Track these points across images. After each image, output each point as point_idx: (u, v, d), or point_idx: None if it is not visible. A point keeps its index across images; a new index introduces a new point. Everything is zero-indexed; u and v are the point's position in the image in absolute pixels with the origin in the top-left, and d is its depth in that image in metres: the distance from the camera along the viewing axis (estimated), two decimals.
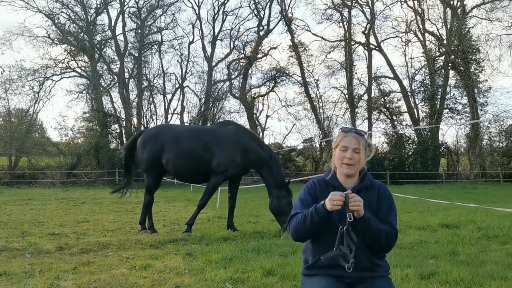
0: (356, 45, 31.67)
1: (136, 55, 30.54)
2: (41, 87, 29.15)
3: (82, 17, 29.92)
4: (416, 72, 30.82)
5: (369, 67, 30.98)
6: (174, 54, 38.04)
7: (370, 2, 30.94)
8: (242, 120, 31.21)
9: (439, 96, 29.17)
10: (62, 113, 56.47)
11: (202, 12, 59.67)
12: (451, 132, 53.56)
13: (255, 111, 32.48)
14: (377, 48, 31.07)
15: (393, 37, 31.81)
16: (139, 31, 30.76)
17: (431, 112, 29.00)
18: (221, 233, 6.75)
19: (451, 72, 30.03)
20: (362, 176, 2.32)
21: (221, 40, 32.53)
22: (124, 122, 29.30)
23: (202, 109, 30.09)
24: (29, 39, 29.11)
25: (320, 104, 31.89)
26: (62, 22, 29.63)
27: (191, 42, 31.83)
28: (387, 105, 31.22)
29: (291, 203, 6.55)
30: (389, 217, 2.27)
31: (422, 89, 30.32)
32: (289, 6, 32.37)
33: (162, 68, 31.28)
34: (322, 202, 2.11)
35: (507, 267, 4.40)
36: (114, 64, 30.97)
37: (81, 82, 30.53)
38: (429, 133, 29.23)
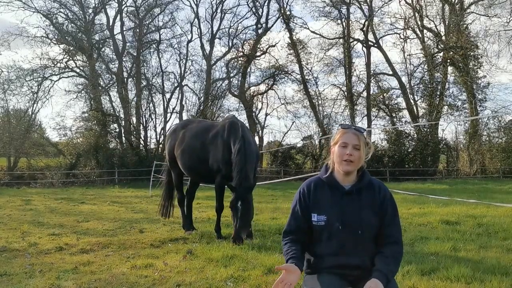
0: (355, 42, 31.65)
1: (135, 54, 30.45)
2: (39, 87, 29.13)
3: (80, 17, 29.85)
4: (415, 69, 30.83)
5: (368, 64, 30.93)
6: (173, 53, 38.05)
7: None
8: (241, 118, 31.09)
9: (438, 93, 29.17)
10: (61, 113, 56.28)
11: (200, 10, 59.75)
12: (450, 129, 53.71)
13: (254, 109, 32.46)
14: (375, 45, 31.03)
15: (392, 34, 31.91)
16: (137, 30, 30.64)
17: (430, 109, 29.01)
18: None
19: (450, 69, 30.02)
20: (361, 175, 2.29)
21: (220, 38, 32.52)
22: (123, 122, 29.25)
23: (201, 108, 30.06)
24: (27, 40, 29.07)
25: (319, 102, 31.92)
26: (60, 22, 29.59)
27: (189, 41, 31.81)
28: (386, 102, 31.22)
29: (243, 214, 5.79)
30: (393, 221, 2.26)
31: (421, 85, 30.33)
32: (287, 3, 32.31)
33: (160, 67, 31.28)
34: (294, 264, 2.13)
35: (508, 263, 4.41)
36: (113, 63, 30.94)
37: (80, 82, 30.56)
38: (428, 130, 29.23)
